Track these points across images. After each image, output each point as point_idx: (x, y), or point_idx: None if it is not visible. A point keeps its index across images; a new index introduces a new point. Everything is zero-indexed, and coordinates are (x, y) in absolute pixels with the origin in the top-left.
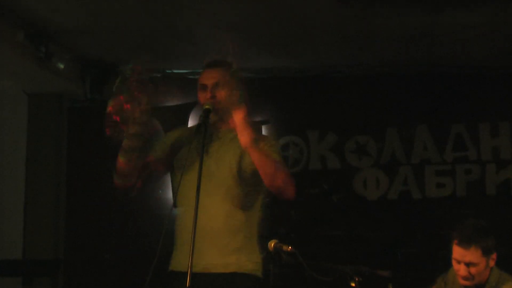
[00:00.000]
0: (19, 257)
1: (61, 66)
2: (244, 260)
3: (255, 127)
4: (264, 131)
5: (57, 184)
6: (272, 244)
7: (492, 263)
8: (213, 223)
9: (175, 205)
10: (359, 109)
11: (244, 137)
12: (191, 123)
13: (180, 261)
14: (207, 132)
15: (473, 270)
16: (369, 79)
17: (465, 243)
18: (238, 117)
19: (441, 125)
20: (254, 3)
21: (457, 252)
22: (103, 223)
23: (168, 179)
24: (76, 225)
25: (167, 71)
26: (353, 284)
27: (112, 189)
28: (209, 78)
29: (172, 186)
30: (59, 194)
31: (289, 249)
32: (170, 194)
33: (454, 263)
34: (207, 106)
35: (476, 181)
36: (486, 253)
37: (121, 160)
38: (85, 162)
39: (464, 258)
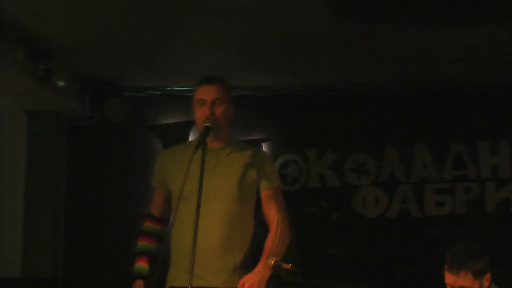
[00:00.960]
0: (18, 274)
1: (61, 84)
2: (241, 276)
3: (254, 145)
4: (264, 149)
5: (56, 202)
6: (272, 262)
7: (486, 283)
8: (211, 240)
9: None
10: (358, 127)
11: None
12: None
13: (178, 277)
14: (206, 149)
15: None
16: (368, 98)
17: (455, 268)
18: (263, 260)
19: (440, 143)
20: (253, 21)
21: (448, 277)
22: (102, 241)
23: None
24: (75, 242)
25: (166, 88)
26: None
27: (111, 206)
28: (208, 93)
29: (172, 205)
30: (58, 212)
31: (288, 267)
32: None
33: (448, 287)
34: (207, 124)
35: (476, 199)
36: (477, 276)
37: None
38: (85, 179)
39: (455, 283)
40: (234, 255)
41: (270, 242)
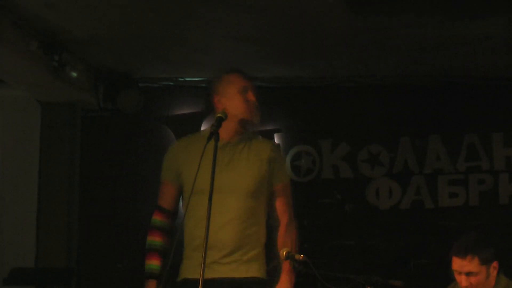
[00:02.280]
0: (32, 265)
1: (74, 75)
2: (255, 267)
3: (267, 136)
4: (276, 139)
5: (70, 193)
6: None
7: (494, 271)
8: (225, 235)
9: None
10: (372, 118)
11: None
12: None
13: (191, 270)
14: (218, 140)
15: (473, 280)
16: (382, 89)
17: (462, 252)
18: (286, 267)
19: (454, 135)
20: (267, 13)
21: (456, 263)
22: (116, 232)
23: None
24: (89, 234)
25: (179, 79)
26: None
27: (125, 198)
28: (245, 81)
29: (183, 197)
30: (72, 203)
31: (301, 258)
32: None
33: (455, 274)
34: (219, 115)
35: (489, 190)
36: (484, 262)
37: None
38: (99, 171)
39: (462, 269)
40: (248, 249)
41: (285, 238)
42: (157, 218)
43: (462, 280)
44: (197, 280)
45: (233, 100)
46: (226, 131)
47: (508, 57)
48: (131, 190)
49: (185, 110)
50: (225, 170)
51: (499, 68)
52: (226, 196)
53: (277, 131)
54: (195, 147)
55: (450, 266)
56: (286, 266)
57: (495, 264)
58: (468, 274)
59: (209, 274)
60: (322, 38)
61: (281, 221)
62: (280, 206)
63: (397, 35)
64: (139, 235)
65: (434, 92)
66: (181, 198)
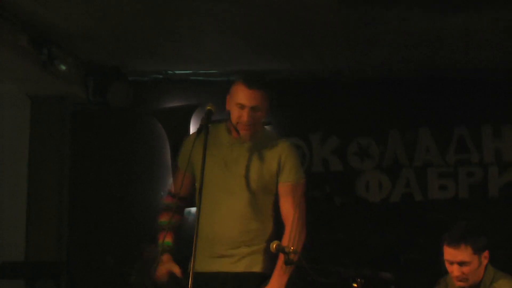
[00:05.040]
0: (21, 259)
1: (64, 69)
2: (258, 262)
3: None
4: None
5: (60, 187)
6: (274, 246)
7: (484, 261)
8: (230, 231)
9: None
10: (361, 112)
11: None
12: (193, 124)
13: (200, 262)
14: (209, 133)
15: (465, 269)
16: (371, 82)
17: (455, 242)
18: (278, 262)
19: (443, 127)
20: (257, 7)
21: (448, 252)
22: (106, 226)
23: (167, 182)
24: (79, 227)
25: (169, 72)
26: (355, 285)
27: (115, 191)
28: (249, 99)
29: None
30: (62, 197)
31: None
32: None
33: (447, 265)
34: (209, 108)
35: (479, 183)
36: (477, 251)
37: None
38: (88, 164)
39: (455, 258)
40: (251, 245)
41: (286, 241)
42: (166, 202)
43: (454, 269)
44: (203, 273)
45: (231, 108)
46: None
47: (497, 51)
48: (121, 183)
49: (175, 103)
50: (231, 167)
51: (488, 61)
52: (232, 193)
53: (267, 124)
54: (208, 141)
55: (441, 257)
56: (279, 262)
57: (486, 253)
58: (460, 263)
59: (213, 268)
60: (312, 32)
61: (286, 224)
62: (285, 208)
63: (387, 29)
64: (129, 229)
65: (424, 85)
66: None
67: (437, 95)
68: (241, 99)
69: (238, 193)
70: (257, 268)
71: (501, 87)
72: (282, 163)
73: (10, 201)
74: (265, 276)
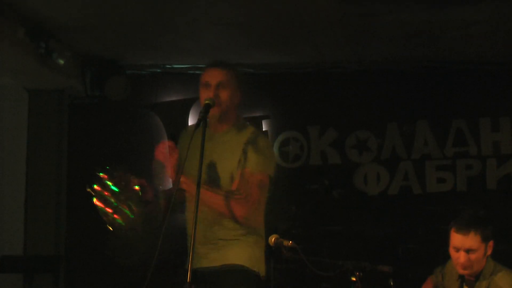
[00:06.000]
0: (20, 253)
1: (62, 62)
2: (242, 254)
3: (256, 122)
4: (264, 126)
5: (58, 180)
6: (273, 239)
7: (489, 250)
8: (216, 224)
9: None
10: (359, 104)
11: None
12: (191, 118)
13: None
14: (207, 128)
15: (472, 256)
16: (369, 75)
17: (464, 229)
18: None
19: (441, 120)
20: (255, 0)
21: (456, 239)
22: (103, 220)
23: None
24: (77, 221)
25: (167, 66)
26: (354, 279)
27: None
28: (213, 76)
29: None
30: (60, 190)
31: (289, 244)
32: None
33: (452, 252)
34: (207, 101)
35: (477, 176)
36: (484, 239)
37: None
38: (86, 158)
39: (463, 244)
40: (237, 238)
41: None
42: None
43: (460, 256)
44: (200, 270)
45: (200, 94)
46: (214, 123)
47: (495, 43)
48: None
49: (172, 97)
50: (208, 162)
51: (487, 53)
52: (212, 184)
53: (265, 117)
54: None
55: (442, 249)
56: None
57: (491, 243)
58: (468, 250)
59: (204, 263)
60: (309, 24)
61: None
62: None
63: (385, 21)
64: None
65: (422, 78)
66: None
67: (435, 88)
68: (205, 77)
69: (221, 187)
70: (241, 261)
71: (500, 80)
72: (246, 153)
73: (8, 195)
74: (249, 271)
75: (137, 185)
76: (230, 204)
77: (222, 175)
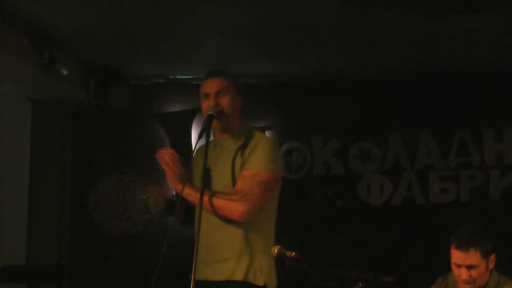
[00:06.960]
0: (23, 263)
1: (65, 72)
2: (244, 267)
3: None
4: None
5: (61, 190)
6: (276, 250)
7: (491, 265)
8: (215, 235)
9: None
10: (362, 114)
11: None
12: (194, 129)
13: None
14: (209, 138)
15: (474, 273)
16: (373, 85)
17: (464, 246)
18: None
19: (445, 130)
20: (258, 8)
21: (457, 256)
22: (104, 228)
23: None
24: (80, 231)
25: (170, 76)
26: None
27: None
28: (211, 86)
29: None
30: (63, 200)
31: (292, 255)
32: None
33: (454, 268)
34: (210, 112)
35: (480, 186)
36: (485, 255)
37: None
38: (90, 167)
39: (464, 262)
40: (238, 252)
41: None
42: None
43: (462, 273)
44: (202, 282)
45: (201, 105)
46: (218, 131)
47: (499, 53)
48: None
49: (176, 107)
50: (213, 170)
51: (490, 63)
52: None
53: (268, 128)
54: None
55: (445, 259)
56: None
57: (493, 257)
58: (469, 267)
59: (209, 275)
60: (312, 33)
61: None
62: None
63: (389, 30)
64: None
65: (425, 88)
66: None
67: (439, 98)
68: (204, 89)
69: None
70: (240, 276)
71: (503, 90)
72: (248, 152)
73: (11, 204)
74: (249, 285)
75: (146, 193)
76: (226, 204)
77: (218, 181)
